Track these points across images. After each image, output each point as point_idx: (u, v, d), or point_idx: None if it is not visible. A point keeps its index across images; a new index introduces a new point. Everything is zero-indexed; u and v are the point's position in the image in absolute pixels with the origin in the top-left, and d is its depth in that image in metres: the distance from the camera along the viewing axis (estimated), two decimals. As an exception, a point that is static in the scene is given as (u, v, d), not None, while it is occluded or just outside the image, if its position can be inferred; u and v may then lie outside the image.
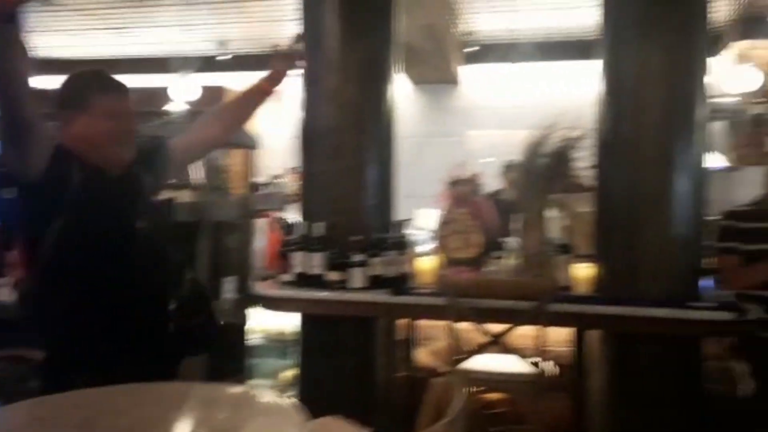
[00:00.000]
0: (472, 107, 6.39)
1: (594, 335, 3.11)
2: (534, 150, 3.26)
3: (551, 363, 3.03)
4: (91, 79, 1.88)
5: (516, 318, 2.76)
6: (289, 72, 2.26)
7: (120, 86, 1.87)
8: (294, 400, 1.52)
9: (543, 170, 3.22)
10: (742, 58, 5.18)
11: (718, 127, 5.30)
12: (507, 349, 2.81)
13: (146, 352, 1.81)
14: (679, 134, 2.89)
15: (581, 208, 3.24)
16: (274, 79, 2.22)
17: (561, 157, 3.21)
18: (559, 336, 3.19)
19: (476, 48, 5.88)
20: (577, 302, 2.91)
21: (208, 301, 2.00)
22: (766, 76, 5.24)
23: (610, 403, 3.03)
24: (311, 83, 3.34)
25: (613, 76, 3.04)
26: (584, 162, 3.18)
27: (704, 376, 3.05)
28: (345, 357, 3.22)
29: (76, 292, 1.75)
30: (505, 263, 3.23)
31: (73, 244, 1.74)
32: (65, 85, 1.87)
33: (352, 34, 3.30)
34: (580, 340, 3.16)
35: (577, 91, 4.43)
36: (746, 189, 4.95)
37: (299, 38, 2.35)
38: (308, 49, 3.39)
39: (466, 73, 6.37)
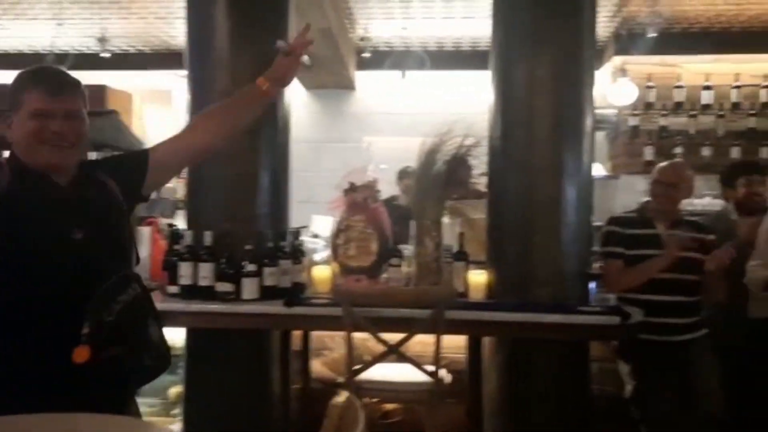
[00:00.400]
0: (367, 113, 6.38)
1: (489, 341, 3.14)
2: (429, 157, 3.25)
3: (452, 371, 3.03)
4: (27, 76, 1.71)
5: (414, 326, 2.73)
6: (296, 70, 1.91)
7: (55, 83, 1.68)
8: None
9: (438, 177, 3.22)
10: (620, 73, 5.48)
11: (598, 137, 5.58)
12: (404, 358, 2.78)
13: (59, 381, 1.57)
14: (569, 143, 2.98)
15: (476, 215, 3.27)
16: (278, 80, 1.89)
17: (456, 165, 3.22)
18: (456, 343, 3.20)
19: (371, 54, 5.87)
20: (472, 309, 2.92)
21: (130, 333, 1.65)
22: (641, 89, 5.57)
23: (503, 408, 3.07)
24: (199, 84, 3.19)
25: (504, 85, 3.10)
26: (478, 169, 3.22)
27: (591, 377, 3.16)
28: (236, 371, 3.09)
29: None
30: (402, 271, 3.21)
31: None
32: (11, 83, 1.71)
33: (244, 34, 3.17)
34: (475, 347, 3.19)
35: (471, 100, 4.51)
36: (623, 196, 5.27)
37: (307, 29, 1.92)
38: (196, 48, 3.25)
39: (361, 78, 6.36)
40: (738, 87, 5.54)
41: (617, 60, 5.65)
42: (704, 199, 5.04)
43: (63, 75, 1.73)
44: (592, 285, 3.11)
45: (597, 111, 3.46)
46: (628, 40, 5.25)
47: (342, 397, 1.20)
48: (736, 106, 5.56)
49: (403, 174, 5.38)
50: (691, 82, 5.62)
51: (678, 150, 5.51)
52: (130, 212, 1.84)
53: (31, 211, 1.63)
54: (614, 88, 5.44)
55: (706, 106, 5.60)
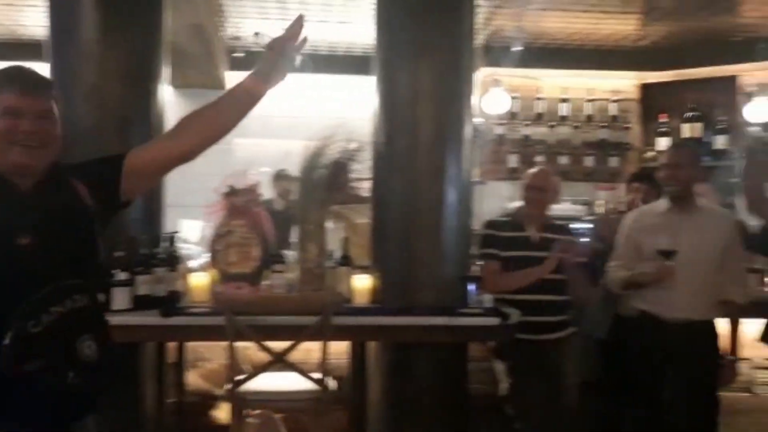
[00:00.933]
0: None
1: (373, 346, 3.15)
2: (312, 161, 3.21)
3: (333, 377, 2.99)
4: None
5: (300, 333, 2.67)
6: (282, 68, 1.75)
7: (29, 82, 1.61)
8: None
9: (321, 181, 3.19)
10: (493, 83, 5.73)
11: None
12: (291, 367, 2.71)
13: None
14: (450, 149, 3.06)
15: (359, 220, 3.27)
16: (265, 78, 1.74)
17: (339, 169, 3.21)
18: (336, 349, 3.17)
19: (244, 54, 5.71)
20: (357, 314, 2.92)
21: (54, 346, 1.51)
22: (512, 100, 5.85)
23: (387, 412, 3.09)
24: (64, 77, 2.94)
25: (388, 91, 3.13)
26: (362, 174, 3.22)
27: (469, 376, 3.26)
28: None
29: None
30: (285, 277, 3.14)
31: None
32: None
33: (114, 26, 2.97)
34: (360, 352, 3.18)
35: (353, 105, 4.51)
36: (490, 201, 5.52)
37: (300, 21, 1.75)
38: (60, 39, 3.00)
39: (233, 79, 6.17)
40: (591, 101, 5.98)
41: (488, 71, 5.89)
42: (564, 204, 5.37)
43: (36, 74, 1.65)
44: (471, 287, 3.21)
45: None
46: (494, 53, 5.49)
47: (256, 413, 1.14)
48: (589, 118, 5.98)
49: (278, 177, 5.29)
50: (550, 94, 5.99)
51: (539, 158, 5.84)
52: (106, 219, 1.71)
53: None
54: (487, 97, 5.67)
55: (564, 118, 5.99)
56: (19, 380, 1.46)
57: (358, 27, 5.06)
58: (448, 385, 3.10)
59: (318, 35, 5.56)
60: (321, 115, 4.40)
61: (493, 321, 2.86)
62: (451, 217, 3.06)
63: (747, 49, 5.38)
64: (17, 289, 1.49)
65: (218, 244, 3.11)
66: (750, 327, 3.23)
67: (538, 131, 5.99)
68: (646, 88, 5.99)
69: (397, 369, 3.08)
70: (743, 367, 3.50)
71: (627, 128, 5.97)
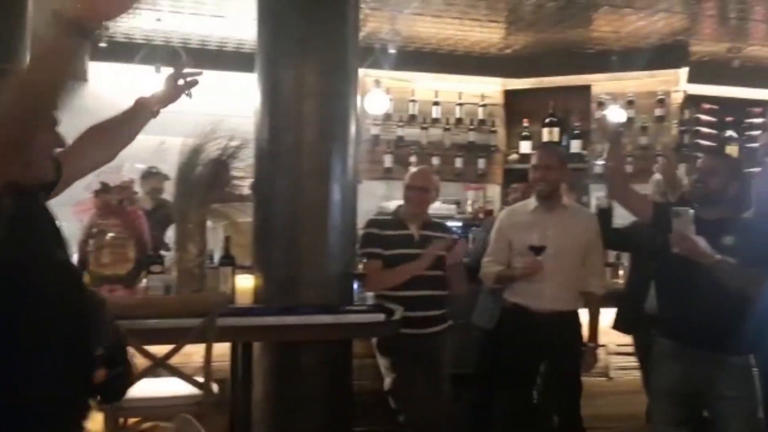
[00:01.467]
0: (103, 108, 5.79)
1: (256, 347, 3.10)
2: (192, 158, 3.10)
3: (215, 380, 2.91)
4: None
5: (182, 337, 2.57)
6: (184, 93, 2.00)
7: None
8: None
9: (201, 179, 3.09)
10: (374, 84, 5.81)
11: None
12: (174, 372, 2.61)
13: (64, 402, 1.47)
14: (335, 148, 3.07)
15: (241, 219, 3.20)
16: (166, 100, 1.97)
17: (220, 166, 3.12)
18: (223, 351, 3.09)
19: (107, 44, 5.39)
20: (241, 315, 2.86)
21: (126, 349, 1.71)
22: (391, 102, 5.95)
23: (272, 412, 3.05)
24: None
25: (272, 89, 3.09)
26: (244, 172, 3.16)
27: (354, 373, 3.29)
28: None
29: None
30: (162, 278, 3.00)
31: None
32: None
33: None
34: (244, 353, 3.12)
35: (234, 102, 4.38)
36: (366, 201, 5.58)
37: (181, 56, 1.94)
38: None
39: (98, 71, 5.79)
40: (461, 104, 6.22)
41: (363, 72, 5.95)
42: (436, 203, 5.55)
43: None
44: (356, 285, 3.25)
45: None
46: (370, 54, 5.57)
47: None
48: (459, 121, 6.22)
49: (147, 175, 5.04)
50: (423, 97, 6.16)
51: (413, 159, 5.99)
52: None
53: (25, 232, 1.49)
54: (368, 98, 5.73)
55: (435, 120, 6.18)
56: (93, 386, 1.54)
57: (238, 21, 4.94)
58: (333, 383, 3.11)
59: (203, 30, 5.38)
60: (199, 111, 4.21)
61: (378, 317, 2.91)
62: (335, 216, 3.08)
63: (600, 60, 5.86)
64: (68, 307, 1.50)
65: (89, 245, 2.92)
66: (605, 316, 3.52)
67: (412, 132, 6.14)
68: (510, 94, 6.32)
69: (281, 369, 3.05)
70: (600, 354, 3.81)
71: (493, 131, 6.28)
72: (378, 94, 5.79)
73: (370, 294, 3.29)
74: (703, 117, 6.15)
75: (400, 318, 3.02)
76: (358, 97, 5.69)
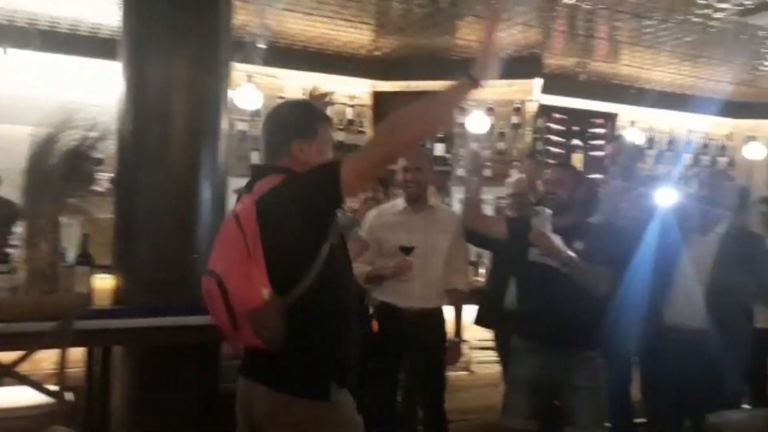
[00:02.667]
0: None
1: (116, 351, 2.92)
2: (43, 149, 2.87)
3: (68, 388, 2.71)
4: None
5: (34, 342, 2.37)
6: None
7: None
8: None
9: (55, 172, 2.86)
10: (246, 79, 5.66)
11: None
12: (23, 380, 2.39)
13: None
14: (205, 142, 2.96)
15: (100, 215, 3.01)
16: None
17: (77, 158, 2.91)
18: (78, 356, 2.88)
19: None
20: (101, 317, 2.69)
21: None
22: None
23: (135, 419, 2.89)
24: None
25: (137, 79, 2.93)
26: (104, 165, 2.97)
27: (222, 375, 3.19)
28: None
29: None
30: (9, 278, 2.76)
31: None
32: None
33: None
34: (102, 358, 2.93)
35: (94, 89, 4.07)
36: (232, 198, 5.44)
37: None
38: None
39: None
40: (331, 104, 6.23)
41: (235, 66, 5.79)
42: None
43: None
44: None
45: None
46: (239, 48, 5.43)
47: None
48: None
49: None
50: (292, 94, 6.08)
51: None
52: None
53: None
54: (238, 92, 5.58)
55: (303, 118, 6.14)
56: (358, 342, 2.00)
57: (93, 4, 4.60)
58: (201, 386, 3.00)
59: (53, 11, 4.95)
60: (53, 98, 3.87)
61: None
62: (205, 213, 2.97)
63: (464, 67, 6.08)
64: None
65: None
66: (467, 312, 3.67)
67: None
68: (378, 96, 6.42)
69: (145, 374, 2.89)
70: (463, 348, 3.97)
71: (362, 132, 6.35)
72: (249, 89, 5.66)
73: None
74: (554, 126, 6.63)
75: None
76: (235, 92, 5.58)
